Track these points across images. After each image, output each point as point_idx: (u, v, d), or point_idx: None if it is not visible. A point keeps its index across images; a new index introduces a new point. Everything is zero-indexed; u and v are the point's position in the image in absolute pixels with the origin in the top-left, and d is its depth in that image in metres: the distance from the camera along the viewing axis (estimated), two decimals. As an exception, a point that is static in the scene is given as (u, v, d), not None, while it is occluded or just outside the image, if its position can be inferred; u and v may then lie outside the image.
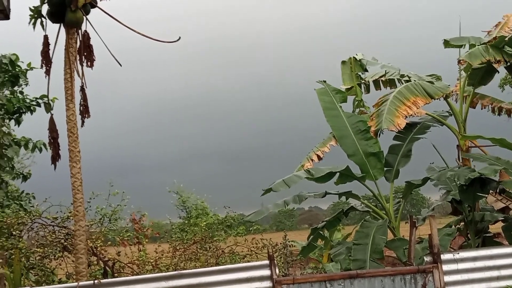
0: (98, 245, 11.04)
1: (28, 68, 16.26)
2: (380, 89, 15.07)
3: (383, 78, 14.94)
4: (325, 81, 14.26)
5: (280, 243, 13.95)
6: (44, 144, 15.97)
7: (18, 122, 16.58)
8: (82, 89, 9.98)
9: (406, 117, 12.36)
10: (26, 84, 16.50)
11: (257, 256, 12.89)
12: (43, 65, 10.00)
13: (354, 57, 14.90)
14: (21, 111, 16.47)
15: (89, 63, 9.99)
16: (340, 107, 13.72)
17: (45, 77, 10.21)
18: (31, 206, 14.40)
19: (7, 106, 15.40)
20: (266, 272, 8.41)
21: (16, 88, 16.32)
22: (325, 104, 13.63)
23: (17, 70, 16.12)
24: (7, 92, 16.04)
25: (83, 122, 10.05)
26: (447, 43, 13.42)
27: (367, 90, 15.22)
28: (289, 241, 14.24)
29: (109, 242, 12.19)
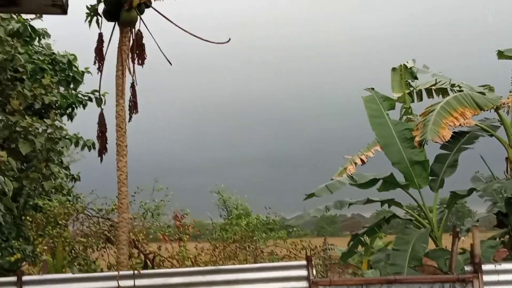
0: (140, 238, 11.35)
1: (85, 71, 16.81)
2: (432, 97, 14.96)
3: (434, 87, 14.84)
4: (373, 89, 14.21)
5: (320, 246, 14.02)
6: (93, 144, 16.41)
7: (71, 117, 17.18)
8: (133, 86, 10.35)
9: (453, 128, 12.26)
10: (80, 84, 17.08)
11: (295, 258, 12.98)
12: (96, 62, 10.43)
13: (404, 64, 14.85)
14: (74, 106, 17.07)
15: (140, 61, 10.34)
16: (387, 114, 13.66)
17: (98, 73, 10.64)
18: (77, 197, 14.88)
19: (60, 102, 15.98)
20: (303, 272, 8.53)
21: (71, 86, 16.92)
22: (371, 112, 13.62)
23: (74, 71, 16.69)
24: (61, 89, 16.64)
25: (130, 117, 10.41)
26: (501, 54, 13.31)
27: (419, 98, 15.14)
28: (328, 245, 14.29)
29: (150, 236, 12.51)
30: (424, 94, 14.88)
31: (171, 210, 13.35)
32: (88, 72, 16.63)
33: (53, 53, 16.62)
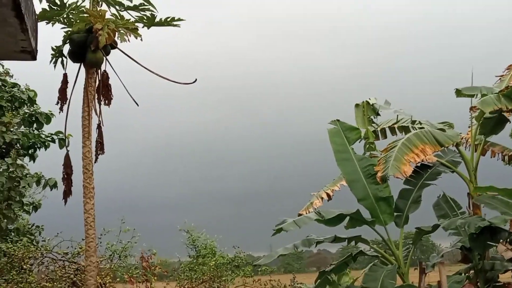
0: (107, 281, 11.09)
1: (49, 114, 16.56)
2: (396, 134, 15.21)
3: (396, 125, 15.10)
4: (338, 120, 14.22)
5: (289, 285, 13.93)
6: (56, 183, 16.06)
7: (33, 158, 16.81)
8: (99, 127, 10.19)
9: (414, 164, 12.41)
10: (43, 126, 16.81)
11: (265, 298, 12.85)
12: (59, 102, 10.25)
13: (367, 101, 15.08)
14: (36, 146, 16.73)
15: (106, 101, 10.22)
16: (352, 149, 13.76)
17: (59, 113, 10.41)
18: (42, 240, 14.50)
19: (22, 141, 15.66)
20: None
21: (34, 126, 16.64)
22: (336, 147, 13.72)
23: (37, 112, 16.43)
24: (22, 128, 16.34)
25: (97, 158, 10.22)
26: (459, 93, 13.54)
27: (383, 135, 15.37)
28: (297, 284, 14.21)
29: (117, 279, 12.24)
30: (388, 131, 15.14)
31: (138, 250, 13.14)
32: (52, 115, 16.40)
33: (12, 89, 16.32)
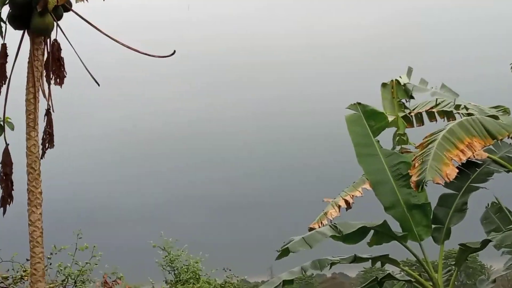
0: (59, 315, 11.12)
1: None
2: (435, 120, 15.18)
3: (435, 109, 15.07)
4: (359, 103, 14.13)
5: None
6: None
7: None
8: (48, 113, 10.16)
9: (459, 163, 12.34)
10: None
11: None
12: (-4, 81, 10.22)
13: (397, 79, 15.02)
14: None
15: (58, 80, 10.18)
16: (377, 142, 13.74)
17: (-4, 94, 10.41)
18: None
19: None
20: None
21: None
22: (356, 139, 13.68)
23: None
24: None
25: (44, 153, 10.21)
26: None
27: (418, 121, 15.34)
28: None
29: (73, 311, 12.27)
30: (425, 117, 15.08)
31: (99, 274, 13.14)
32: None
33: None
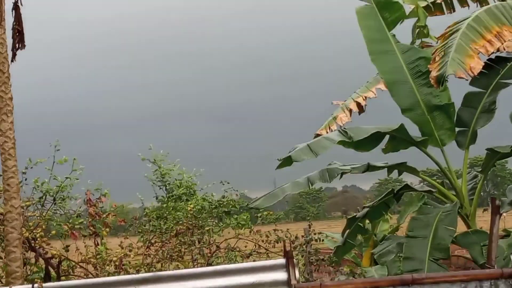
0: (38, 235, 11.23)
1: None
2: (468, 6, 14.96)
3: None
4: None
5: (302, 236, 14.12)
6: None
7: None
8: (16, 7, 10.06)
9: (486, 56, 12.20)
10: None
11: (267, 255, 13.06)
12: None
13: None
14: None
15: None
16: (393, 36, 13.64)
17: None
18: None
19: None
20: (281, 275, 8.56)
21: None
22: (369, 34, 13.58)
23: None
24: None
25: (14, 55, 10.15)
26: None
27: (439, 9, 15.12)
28: (314, 234, 14.36)
29: (53, 232, 12.39)
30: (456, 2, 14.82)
31: (81, 190, 13.20)
32: None
33: None
